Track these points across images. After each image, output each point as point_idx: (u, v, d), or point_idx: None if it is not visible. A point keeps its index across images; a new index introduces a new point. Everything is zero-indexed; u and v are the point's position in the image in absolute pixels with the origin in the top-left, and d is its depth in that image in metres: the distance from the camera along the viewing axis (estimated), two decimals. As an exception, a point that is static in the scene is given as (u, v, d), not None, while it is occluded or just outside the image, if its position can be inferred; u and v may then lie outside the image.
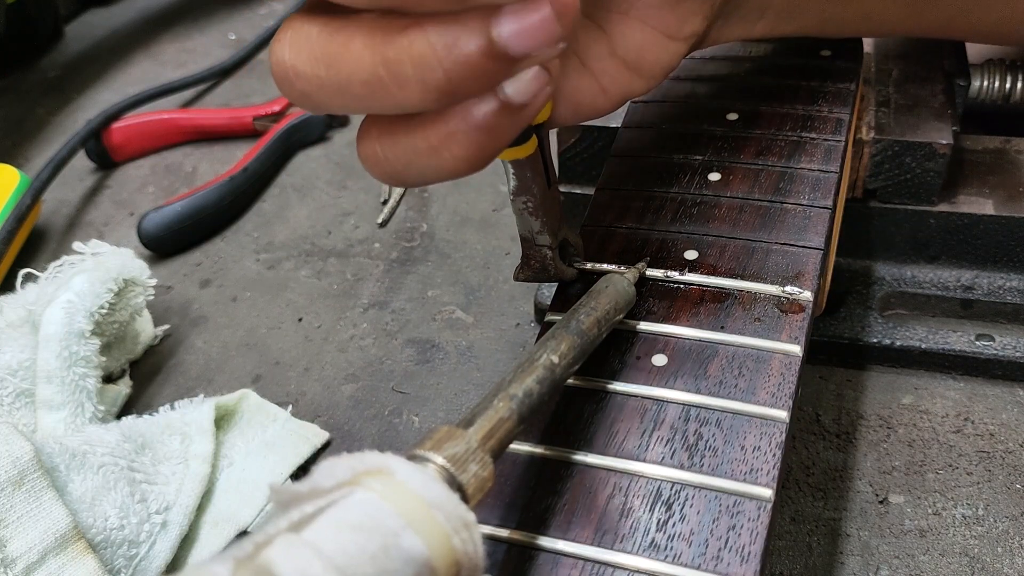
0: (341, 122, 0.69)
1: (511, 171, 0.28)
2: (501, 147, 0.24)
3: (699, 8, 0.31)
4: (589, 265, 0.33)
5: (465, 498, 0.20)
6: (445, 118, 0.22)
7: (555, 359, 0.25)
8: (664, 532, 0.24)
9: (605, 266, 0.32)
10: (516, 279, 0.32)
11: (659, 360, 0.29)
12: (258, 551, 0.16)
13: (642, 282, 0.31)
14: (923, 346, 0.44)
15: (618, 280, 0.30)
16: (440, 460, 0.20)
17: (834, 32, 0.40)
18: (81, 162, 0.67)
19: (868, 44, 0.49)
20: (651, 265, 0.32)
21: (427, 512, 0.18)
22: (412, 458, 0.20)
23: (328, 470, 0.19)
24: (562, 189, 0.48)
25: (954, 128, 0.44)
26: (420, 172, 0.23)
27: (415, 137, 0.23)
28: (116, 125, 0.67)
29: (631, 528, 0.25)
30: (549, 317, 0.32)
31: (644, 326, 0.30)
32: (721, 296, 0.31)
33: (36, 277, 0.47)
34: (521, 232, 0.31)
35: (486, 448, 0.21)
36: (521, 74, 0.22)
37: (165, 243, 0.58)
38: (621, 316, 0.29)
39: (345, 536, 0.17)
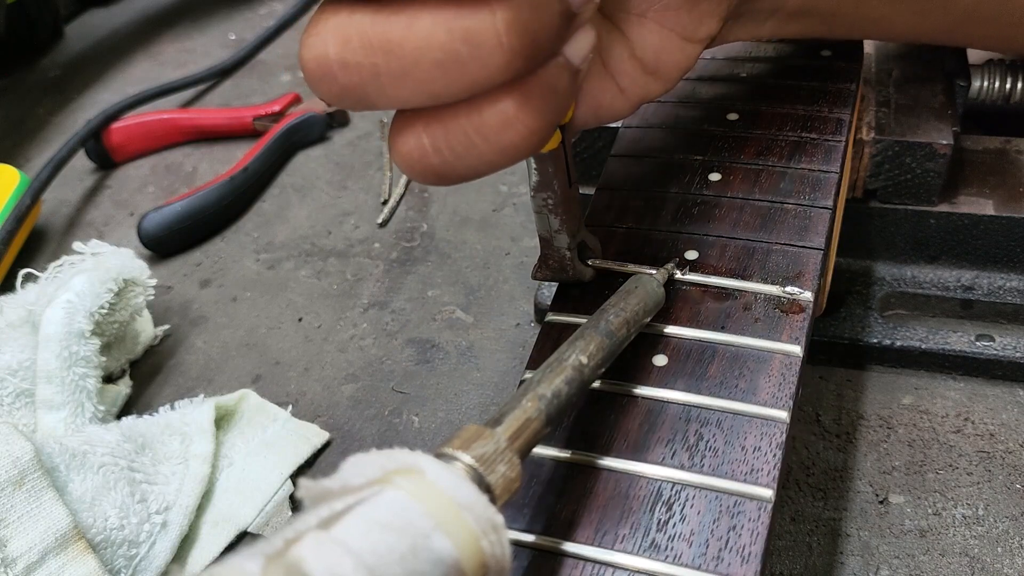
0: (341, 122, 0.69)
1: (533, 167, 0.29)
2: (562, 116, 0.24)
3: (715, 10, 0.31)
4: (607, 264, 0.32)
5: (493, 499, 0.20)
6: (519, 86, 0.22)
7: (584, 360, 0.25)
8: (664, 532, 0.24)
9: (615, 265, 0.32)
10: (534, 278, 0.32)
11: (659, 360, 0.29)
12: (288, 547, 0.16)
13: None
14: (923, 346, 0.44)
15: (648, 281, 0.29)
16: (468, 459, 0.20)
17: (841, 34, 0.40)
18: (81, 162, 0.67)
19: (868, 44, 0.49)
20: (651, 265, 0.32)
21: (457, 513, 0.18)
22: (440, 456, 0.20)
23: (357, 467, 0.19)
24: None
25: (954, 128, 0.44)
26: (477, 158, 0.23)
27: (483, 113, 0.22)
28: (116, 125, 0.67)
29: (631, 528, 0.25)
30: (549, 317, 0.32)
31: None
32: (721, 296, 0.31)
33: (36, 277, 0.47)
34: (540, 231, 0.31)
35: (514, 448, 0.21)
36: (578, 35, 0.23)
37: (165, 243, 0.58)
38: (649, 318, 0.29)
39: (375, 535, 0.17)
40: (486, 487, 0.20)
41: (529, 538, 0.25)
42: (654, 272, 0.31)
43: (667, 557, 0.24)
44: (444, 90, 0.21)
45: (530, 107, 0.22)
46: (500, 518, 0.19)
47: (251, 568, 0.16)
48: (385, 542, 0.17)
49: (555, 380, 0.24)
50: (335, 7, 0.21)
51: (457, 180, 0.24)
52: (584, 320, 0.31)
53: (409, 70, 0.21)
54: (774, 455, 0.26)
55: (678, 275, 0.32)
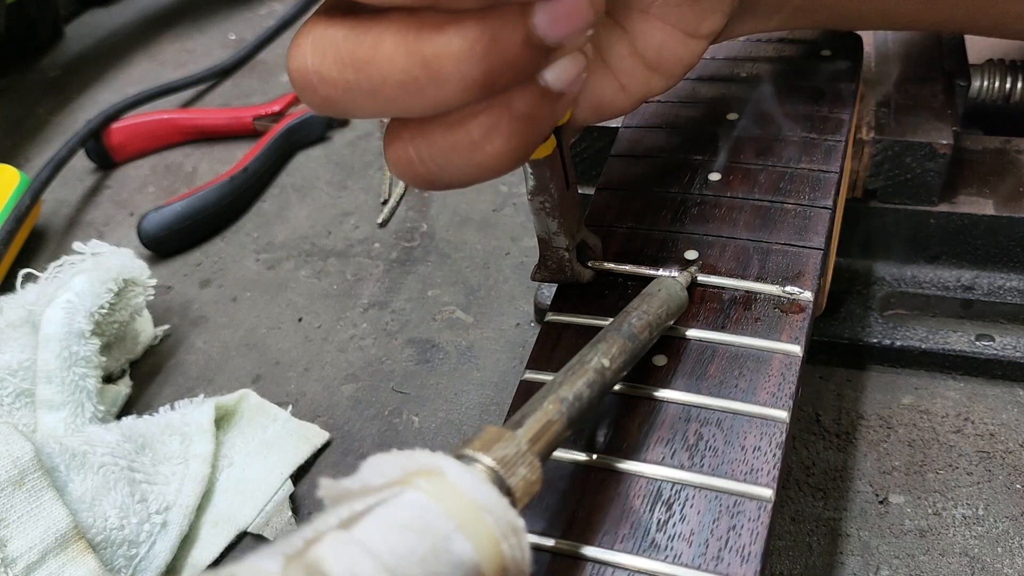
0: (341, 122, 0.69)
1: (530, 171, 0.28)
2: (541, 138, 0.24)
3: (719, 6, 0.31)
4: (606, 265, 0.32)
5: (513, 501, 0.20)
6: (487, 110, 0.22)
7: (606, 362, 0.25)
8: (664, 532, 0.24)
9: (614, 266, 0.32)
10: (533, 279, 0.32)
11: (659, 360, 0.29)
12: (307, 547, 0.16)
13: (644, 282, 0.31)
14: (923, 346, 0.44)
15: (671, 284, 0.29)
16: (489, 461, 0.20)
17: (850, 26, 0.39)
18: (81, 162, 0.67)
19: (868, 44, 0.49)
20: (651, 265, 0.32)
21: (478, 515, 0.18)
22: (461, 458, 0.20)
23: (378, 468, 0.18)
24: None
25: (954, 128, 0.44)
26: (458, 171, 0.23)
27: (454, 133, 0.22)
28: (116, 125, 0.67)
29: (631, 528, 0.25)
30: (549, 317, 0.32)
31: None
32: (721, 296, 0.31)
33: (36, 277, 0.47)
34: (538, 233, 0.31)
35: (534, 451, 0.21)
36: (561, 60, 0.22)
37: (165, 243, 0.58)
38: (672, 321, 0.29)
39: (395, 536, 0.17)
40: (506, 489, 0.20)
41: (529, 538, 0.25)
42: (677, 275, 0.31)
43: (667, 557, 0.24)
44: (409, 109, 0.22)
45: (497, 131, 0.22)
46: (521, 521, 0.19)
47: (270, 567, 0.16)
48: (405, 543, 0.17)
49: (576, 383, 0.23)
50: (316, 19, 0.22)
51: (446, 187, 0.24)
52: (584, 320, 0.31)
53: (376, 88, 0.21)
54: (774, 455, 0.26)
55: (701, 278, 0.31)
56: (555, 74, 0.23)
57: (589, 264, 0.32)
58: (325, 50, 0.21)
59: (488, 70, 0.21)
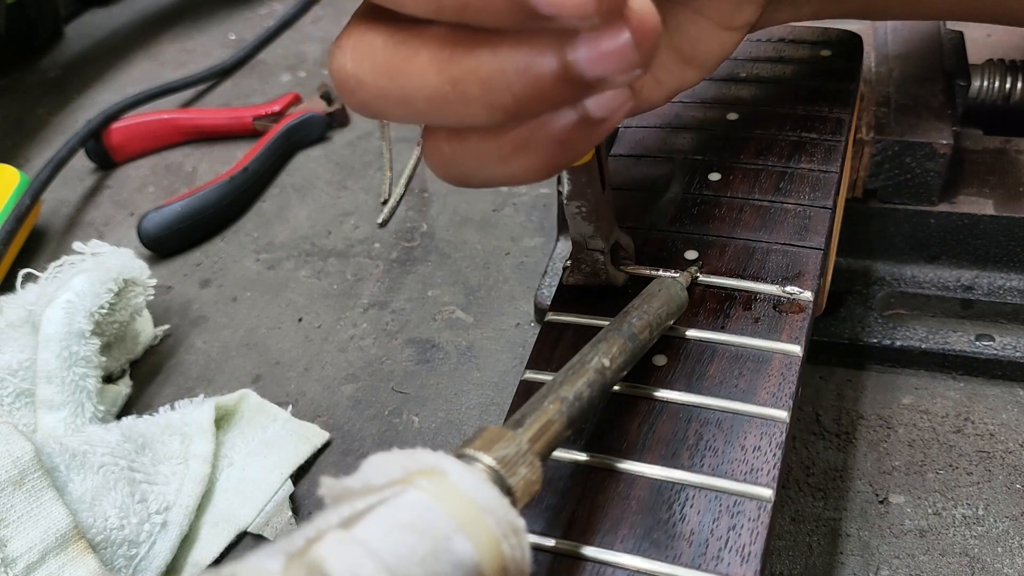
0: (341, 122, 0.69)
1: (566, 176, 0.28)
2: (575, 159, 0.23)
3: None
4: (640, 269, 0.32)
5: (514, 501, 0.20)
6: (519, 130, 0.22)
7: (606, 362, 0.25)
8: (664, 532, 0.24)
9: (647, 270, 0.32)
10: (566, 283, 0.32)
11: (659, 360, 0.29)
12: (308, 546, 0.16)
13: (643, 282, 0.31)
14: (923, 346, 0.44)
15: (671, 284, 0.29)
16: (490, 461, 0.20)
17: (877, 16, 0.39)
18: (81, 162, 0.67)
19: (868, 44, 0.49)
20: (651, 265, 0.32)
21: (478, 516, 0.18)
22: (461, 457, 0.20)
23: (380, 466, 0.18)
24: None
25: (954, 128, 0.44)
26: (488, 176, 0.23)
27: (487, 143, 0.22)
28: (116, 125, 0.67)
29: (631, 528, 0.25)
30: (549, 317, 0.32)
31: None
32: (721, 296, 0.31)
33: (36, 277, 0.47)
34: (573, 236, 0.30)
35: (535, 450, 0.21)
36: (603, 95, 0.21)
37: (165, 243, 0.58)
38: (672, 321, 0.29)
39: (396, 536, 0.17)
40: (507, 489, 0.20)
41: (529, 538, 0.25)
42: (677, 275, 0.31)
43: (667, 557, 0.24)
44: (442, 121, 0.21)
45: (528, 150, 0.22)
46: (521, 521, 0.19)
47: (272, 567, 0.16)
48: (406, 543, 0.17)
49: (577, 383, 0.23)
50: (359, 21, 0.22)
51: (478, 187, 0.24)
52: (584, 320, 0.31)
53: (408, 99, 0.21)
54: (774, 455, 0.26)
55: (701, 277, 0.31)
56: (598, 103, 0.21)
57: (624, 268, 0.32)
58: (363, 55, 0.21)
59: (517, 99, 0.20)
